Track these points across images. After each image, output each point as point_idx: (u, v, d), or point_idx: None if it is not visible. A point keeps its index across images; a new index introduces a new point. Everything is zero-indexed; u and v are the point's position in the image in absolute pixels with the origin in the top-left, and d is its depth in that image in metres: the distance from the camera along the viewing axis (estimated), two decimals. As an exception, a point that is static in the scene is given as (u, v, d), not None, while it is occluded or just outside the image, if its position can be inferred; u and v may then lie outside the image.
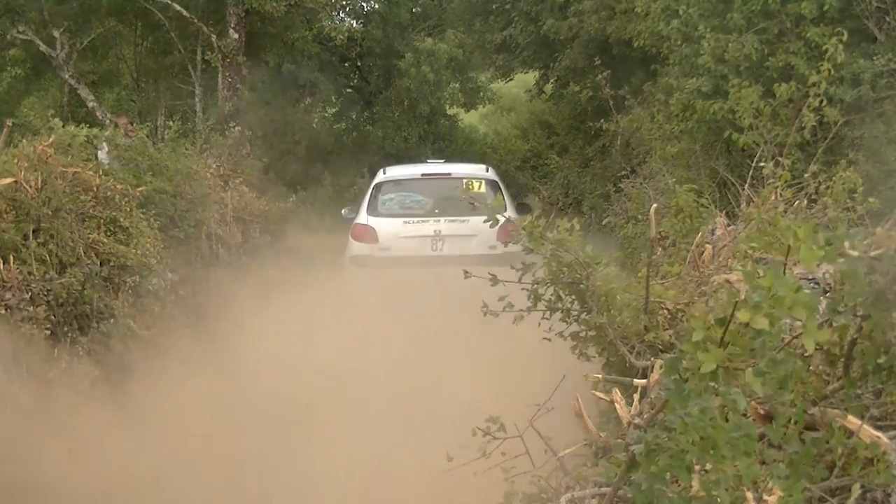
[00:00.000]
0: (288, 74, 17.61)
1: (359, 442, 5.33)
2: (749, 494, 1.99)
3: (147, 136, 10.28)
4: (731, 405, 1.72)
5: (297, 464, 5.38)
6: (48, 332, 6.05)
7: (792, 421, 2.36)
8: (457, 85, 19.16)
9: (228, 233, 10.81)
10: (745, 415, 1.97)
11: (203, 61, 17.30)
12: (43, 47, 16.23)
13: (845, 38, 5.88)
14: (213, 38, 16.34)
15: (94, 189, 7.19)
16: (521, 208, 10.53)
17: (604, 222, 11.23)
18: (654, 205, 4.57)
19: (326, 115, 20.36)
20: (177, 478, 5.22)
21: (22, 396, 5.60)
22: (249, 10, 16.31)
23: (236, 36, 16.47)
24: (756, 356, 1.71)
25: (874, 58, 8.42)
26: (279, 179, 16.29)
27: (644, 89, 13.60)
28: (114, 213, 7.30)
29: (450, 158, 14.32)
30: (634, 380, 3.66)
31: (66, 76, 16.67)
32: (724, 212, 6.51)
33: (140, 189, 8.29)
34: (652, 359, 3.64)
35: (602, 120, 14.29)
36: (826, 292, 3.12)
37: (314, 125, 19.44)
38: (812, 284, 3.22)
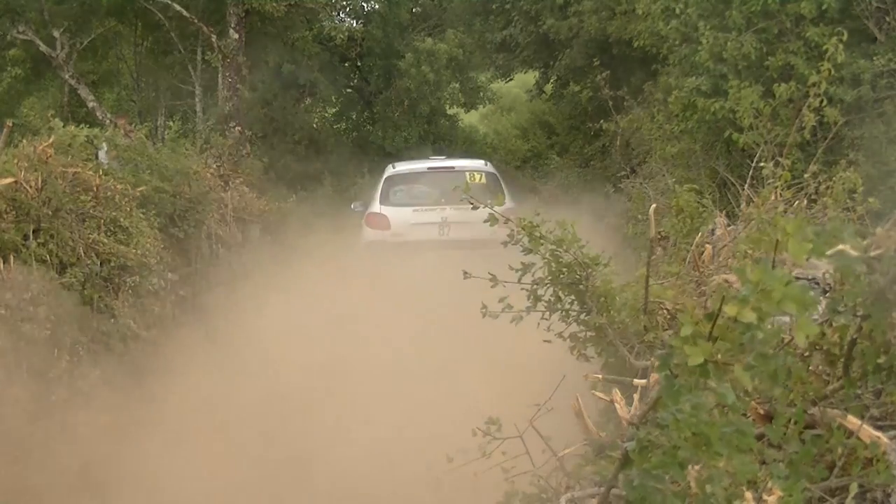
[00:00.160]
0: (288, 74, 17.57)
1: (359, 441, 5.34)
2: (748, 494, 1.99)
3: (146, 137, 10.29)
4: (721, 399, 1.70)
5: (297, 463, 5.39)
6: (48, 332, 6.05)
7: (792, 421, 2.36)
8: (457, 85, 19.12)
9: (228, 233, 10.83)
10: (744, 415, 1.97)
11: (203, 61, 17.30)
12: (43, 47, 16.20)
13: (845, 38, 5.87)
14: (213, 38, 16.32)
15: (94, 189, 7.19)
16: None
17: (603, 222, 11.24)
18: (654, 205, 4.57)
19: (326, 115, 20.31)
20: (177, 477, 5.23)
21: (22, 396, 5.60)
22: (249, 10, 16.28)
23: (236, 36, 16.45)
24: (745, 351, 1.70)
25: (874, 58, 8.43)
26: (279, 179, 16.29)
27: (644, 89, 13.60)
28: (114, 213, 7.30)
29: (450, 157, 14.34)
30: (634, 380, 3.66)
31: (66, 76, 16.64)
32: (724, 212, 6.51)
33: (140, 189, 8.29)
34: (651, 359, 3.64)
35: (602, 120, 14.27)
36: (826, 292, 3.12)
37: (314, 125, 19.39)
38: (812, 284, 3.22)
